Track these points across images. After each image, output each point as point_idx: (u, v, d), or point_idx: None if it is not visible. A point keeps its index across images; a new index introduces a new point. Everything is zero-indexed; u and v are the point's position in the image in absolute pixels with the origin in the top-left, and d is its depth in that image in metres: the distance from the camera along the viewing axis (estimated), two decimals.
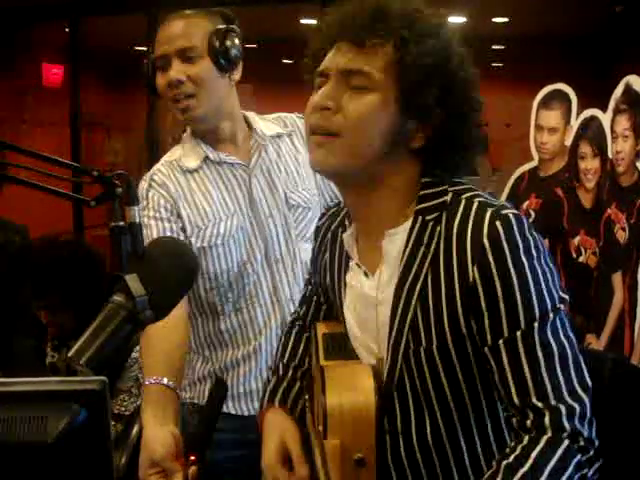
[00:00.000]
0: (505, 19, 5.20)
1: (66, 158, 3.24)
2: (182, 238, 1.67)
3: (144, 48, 4.08)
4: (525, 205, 3.18)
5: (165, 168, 1.76)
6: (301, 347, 1.43)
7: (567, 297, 1.12)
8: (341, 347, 1.28)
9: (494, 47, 5.93)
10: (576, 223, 2.92)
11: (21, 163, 1.19)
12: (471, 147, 1.19)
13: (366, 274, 1.21)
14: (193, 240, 1.72)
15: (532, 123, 3.10)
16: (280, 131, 1.82)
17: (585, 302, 2.85)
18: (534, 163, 3.15)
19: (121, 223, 1.11)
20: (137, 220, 1.12)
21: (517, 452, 1.02)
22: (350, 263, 1.25)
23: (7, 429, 0.96)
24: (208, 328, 1.79)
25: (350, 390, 1.16)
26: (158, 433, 1.41)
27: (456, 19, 5.00)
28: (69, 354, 1.07)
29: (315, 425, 1.27)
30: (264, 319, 1.77)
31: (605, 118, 2.73)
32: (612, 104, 2.70)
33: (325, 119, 1.11)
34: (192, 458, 1.28)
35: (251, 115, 1.85)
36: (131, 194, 1.12)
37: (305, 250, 1.76)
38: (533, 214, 3.14)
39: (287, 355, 1.42)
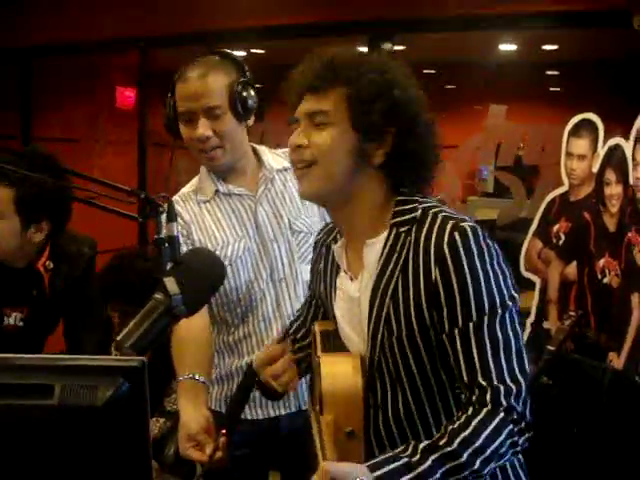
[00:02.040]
0: (555, 46, 5.32)
1: (133, 176, 3.59)
2: None
3: None
4: (555, 228, 3.30)
5: (181, 199, 1.99)
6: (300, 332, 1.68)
7: (517, 296, 1.31)
8: (334, 341, 1.50)
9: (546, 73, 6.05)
10: (601, 246, 3.02)
11: (88, 187, 1.48)
12: (426, 161, 1.38)
13: (351, 278, 1.44)
14: None
15: (563, 150, 3.25)
16: (287, 165, 1.96)
17: (608, 321, 2.97)
18: (565, 188, 3.28)
19: (162, 236, 1.37)
20: (175, 233, 1.39)
21: (462, 420, 1.22)
22: (340, 270, 1.47)
23: (68, 394, 1.23)
24: (218, 338, 2.01)
25: (341, 375, 1.38)
26: (192, 414, 1.66)
27: (508, 47, 5.16)
28: (117, 338, 1.33)
29: (314, 405, 1.50)
30: (267, 332, 1.98)
31: (627, 146, 2.87)
32: (634, 133, 2.84)
33: (300, 154, 1.36)
34: (222, 432, 1.54)
35: (261, 149, 2.04)
36: (171, 212, 1.39)
37: (307, 271, 1.92)
38: (563, 237, 3.26)
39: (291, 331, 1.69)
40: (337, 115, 1.34)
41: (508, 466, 1.38)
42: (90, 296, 2.25)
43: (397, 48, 4.18)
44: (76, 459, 1.21)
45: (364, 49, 3.97)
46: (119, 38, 4.63)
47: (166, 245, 1.37)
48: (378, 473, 1.16)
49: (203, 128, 1.85)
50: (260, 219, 1.97)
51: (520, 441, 1.25)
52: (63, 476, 1.20)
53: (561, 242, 3.26)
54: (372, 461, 1.20)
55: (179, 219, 1.94)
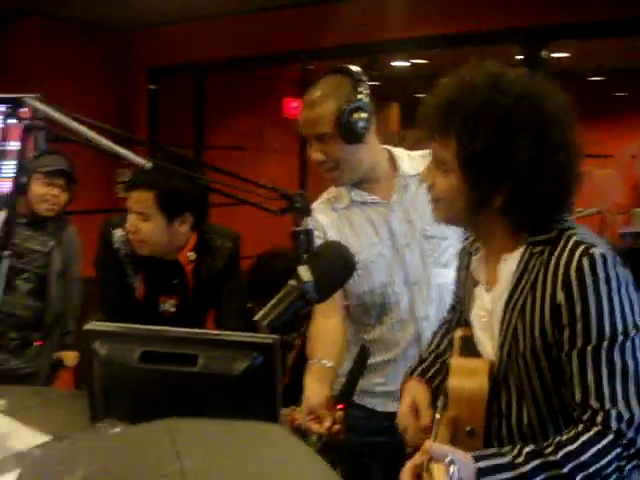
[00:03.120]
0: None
1: (295, 181, 3.81)
2: None
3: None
4: None
5: (320, 205, 2.10)
6: (444, 342, 1.72)
7: None
8: (471, 347, 1.55)
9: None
10: None
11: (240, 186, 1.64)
12: (551, 199, 1.35)
13: (487, 290, 1.48)
14: None
15: None
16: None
17: None
18: None
19: (299, 228, 1.51)
20: (311, 227, 1.52)
21: (570, 435, 1.24)
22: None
23: (209, 363, 1.40)
24: (356, 337, 2.09)
25: (469, 377, 1.45)
26: (314, 391, 1.78)
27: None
28: (255, 318, 1.49)
29: (442, 401, 1.57)
30: (401, 333, 2.04)
31: None
32: None
33: (429, 189, 1.43)
34: (339, 406, 1.67)
35: (397, 154, 2.09)
36: (307, 208, 1.53)
37: (439, 274, 2.01)
38: None
39: (432, 346, 1.73)
40: (453, 165, 1.36)
41: None
42: (233, 287, 2.40)
43: (560, 55, 4.10)
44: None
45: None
46: (284, 53, 4.89)
47: (301, 237, 1.51)
48: (481, 464, 1.20)
49: (315, 153, 1.96)
50: (393, 226, 2.04)
51: (627, 467, 1.24)
52: None
53: None
54: (478, 452, 1.24)
55: (317, 223, 2.05)
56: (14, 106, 1.41)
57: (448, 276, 1.94)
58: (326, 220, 2.07)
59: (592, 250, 1.28)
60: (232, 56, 5.10)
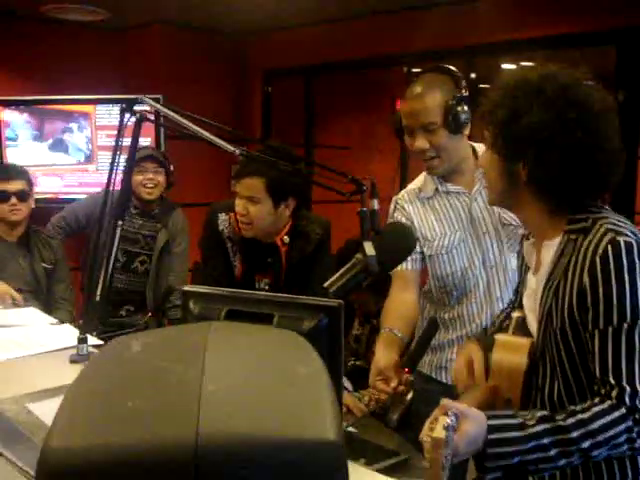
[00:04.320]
0: None
1: (396, 180, 3.99)
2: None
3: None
4: None
5: (407, 195, 2.29)
6: (500, 318, 1.88)
7: None
8: (523, 327, 1.67)
9: None
10: None
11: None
12: (575, 176, 1.42)
13: (533, 273, 1.61)
14: (425, 250, 2.22)
15: None
16: None
17: None
18: None
19: (365, 209, 1.73)
20: (376, 208, 1.74)
21: (584, 405, 1.34)
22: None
23: (283, 322, 1.64)
24: (436, 315, 2.28)
25: (511, 353, 1.58)
26: (383, 355, 1.98)
27: None
28: (324, 285, 1.72)
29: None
30: (477, 312, 2.22)
31: None
32: None
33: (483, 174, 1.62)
34: (406, 370, 1.87)
35: (480, 148, 2.22)
36: (373, 191, 1.75)
37: (514, 259, 2.15)
38: None
39: (493, 325, 1.90)
40: (490, 141, 1.52)
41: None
42: (322, 270, 2.57)
43: None
44: None
45: None
46: (389, 55, 5.09)
47: (367, 216, 1.73)
48: (492, 422, 1.30)
49: (420, 142, 2.12)
50: (474, 214, 2.22)
51: (639, 441, 1.32)
52: None
53: None
54: (492, 412, 1.36)
55: (404, 212, 2.27)
56: (130, 104, 1.71)
57: None
58: (412, 208, 2.27)
59: (618, 238, 1.36)
60: (340, 59, 5.34)
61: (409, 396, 1.91)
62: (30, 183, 3.57)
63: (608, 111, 1.44)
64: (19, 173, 3.56)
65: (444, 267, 2.22)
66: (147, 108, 1.85)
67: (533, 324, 1.59)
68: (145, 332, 0.79)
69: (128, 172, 1.78)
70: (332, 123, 6.15)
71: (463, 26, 4.53)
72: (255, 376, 0.63)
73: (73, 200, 4.21)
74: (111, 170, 1.84)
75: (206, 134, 1.68)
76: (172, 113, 1.67)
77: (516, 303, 1.83)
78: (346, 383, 2.44)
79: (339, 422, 0.57)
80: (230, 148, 1.70)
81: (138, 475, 0.51)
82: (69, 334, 2.14)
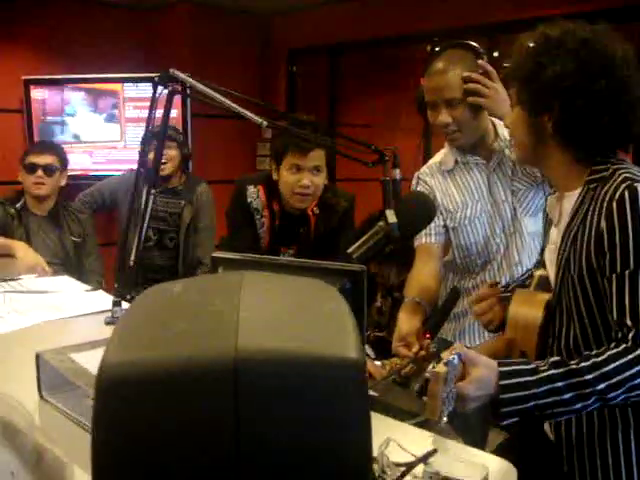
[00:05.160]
0: None
1: (418, 157, 4.04)
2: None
3: None
4: None
5: (429, 169, 2.38)
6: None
7: None
8: (544, 283, 1.73)
9: None
10: None
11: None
12: (599, 126, 1.45)
13: (555, 225, 1.65)
14: (447, 222, 2.29)
15: None
16: None
17: None
18: None
19: (387, 178, 1.80)
20: (397, 177, 1.80)
21: (600, 350, 1.35)
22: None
23: None
24: (460, 284, 2.37)
25: (527, 307, 1.64)
26: (406, 322, 2.05)
27: None
28: (348, 251, 1.79)
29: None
30: (498, 277, 2.29)
31: None
32: None
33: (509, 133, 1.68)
34: (427, 335, 1.94)
35: (498, 123, 2.29)
36: (395, 161, 1.81)
37: (530, 223, 2.22)
38: None
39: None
40: (515, 98, 1.58)
41: None
42: (345, 240, 2.56)
43: None
44: None
45: None
46: (412, 34, 5.12)
47: (389, 185, 1.79)
48: (503, 369, 1.33)
49: (443, 116, 2.17)
50: (493, 183, 2.29)
51: None
52: None
53: None
54: (505, 360, 1.38)
55: (427, 186, 2.35)
56: (162, 77, 1.78)
57: (537, 225, 2.19)
58: (433, 182, 2.35)
59: (635, 184, 1.38)
60: (363, 38, 5.38)
61: (430, 363, 1.98)
62: (62, 160, 3.67)
63: (629, 60, 1.45)
64: (51, 148, 3.67)
65: (468, 237, 2.30)
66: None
67: (552, 275, 1.62)
68: (183, 279, 0.87)
69: (160, 144, 1.86)
70: (355, 102, 6.20)
71: (486, 3, 4.55)
72: (286, 307, 0.70)
73: (102, 177, 4.32)
74: (144, 143, 1.92)
75: (239, 108, 1.75)
76: (204, 87, 1.74)
77: (540, 263, 1.86)
78: (368, 350, 2.52)
79: (361, 346, 0.64)
80: (258, 120, 1.77)
81: (185, 383, 0.59)
82: (103, 299, 2.24)
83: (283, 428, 0.58)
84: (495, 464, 1.19)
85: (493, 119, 2.33)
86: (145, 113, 4.87)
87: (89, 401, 1.26)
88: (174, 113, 4.86)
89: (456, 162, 2.33)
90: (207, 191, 3.83)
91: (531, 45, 1.51)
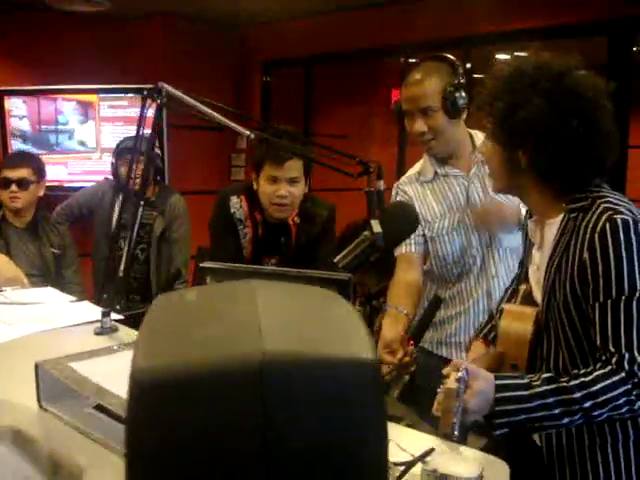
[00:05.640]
0: None
1: (392, 168, 4.11)
2: None
3: None
4: None
5: (408, 179, 2.43)
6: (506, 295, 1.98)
7: None
8: (530, 299, 1.77)
9: None
10: None
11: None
12: (574, 160, 1.51)
13: (537, 249, 1.71)
14: (426, 232, 2.34)
15: None
16: None
17: None
18: None
19: (371, 189, 1.85)
20: (381, 188, 1.85)
21: (587, 370, 1.43)
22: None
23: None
24: (438, 293, 2.40)
25: (518, 321, 1.69)
26: (389, 329, 2.11)
27: None
28: (335, 260, 1.83)
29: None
30: (475, 288, 2.35)
31: None
32: None
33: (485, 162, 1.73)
34: (411, 342, 1.98)
35: (475, 135, 2.36)
36: (379, 173, 1.86)
37: (507, 239, 2.29)
38: None
39: (500, 303, 1.99)
40: (490, 131, 1.63)
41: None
42: (327, 250, 2.70)
43: None
44: None
45: None
46: (385, 47, 5.20)
47: (374, 196, 1.84)
48: (499, 382, 1.42)
49: (419, 124, 2.25)
50: (471, 195, 2.35)
51: (638, 403, 1.41)
52: None
53: None
54: (500, 374, 1.46)
55: (405, 195, 2.41)
56: (152, 91, 1.81)
57: (514, 241, 2.24)
58: (412, 192, 2.41)
59: (615, 216, 1.44)
60: (338, 50, 5.45)
61: (412, 369, 2.03)
62: (38, 171, 3.66)
63: (601, 95, 1.52)
64: (24, 161, 3.65)
65: (445, 247, 2.35)
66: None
67: (538, 295, 1.69)
68: (191, 288, 0.90)
69: (148, 158, 1.89)
70: (330, 113, 6.28)
71: (460, 17, 4.64)
72: (301, 313, 0.75)
73: (78, 188, 4.32)
74: (132, 158, 1.94)
75: (227, 121, 1.79)
76: (193, 100, 1.78)
77: (522, 277, 1.91)
78: None
79: (375, 348, 0.69)
80: (246, 132, 1.81)
81: (214, 386, 0.62)
82: (89, 310, 2.25)
83: (308, 427, 0.62)
84: (488, 461, 1.25)
85: (471, 130, 2.40)
86: (120, 124, 4.95)
87: (89, 409, 1.29)
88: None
89: (436, 174, 2.38)
90: (181, 202, 3.82)
91: (505, 79, 1.56)
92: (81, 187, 4.32)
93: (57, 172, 5.07)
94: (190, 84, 1.85)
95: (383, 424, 0.64)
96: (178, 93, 1.79)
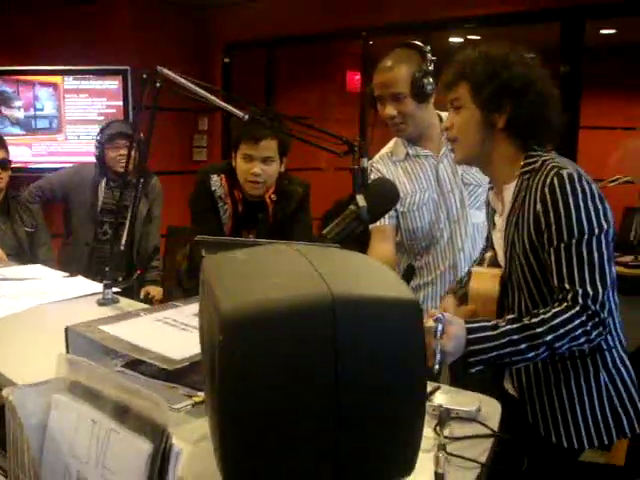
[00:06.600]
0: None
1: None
2: None
3: None
4: None
5: (380, 158, 2.60)
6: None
7: (606, 225, 1.62)
8: (495, 263, 1.96)
9: None
10: None
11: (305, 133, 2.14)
12: (542, 121, 1.73)
13: (499, 215, 1.90)
14: (398, 206, 2.47)
15: None
16: None
17: None
18: None
19: (356, 167, 2.00)
20: (366, 166, 2.01)
21: (546, 309, 1.61)
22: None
23: None
24: (406, 263, 2.60)
25: (485, 281, 1.88)
26: None
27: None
28: (323, 232, 1.98)
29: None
30: (442, 260, 2.53)
31: None
32: None
33: (449, 131, 1.87)
34: None
35: (445, 116, 2.50)
36: (363, 150, 2.01)
37: (474, 215, 2.48)
38: None
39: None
40: (465, 100, 1.78)
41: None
42: (302, 224, 2.88)
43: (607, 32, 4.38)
44: None
45: None
46: (346, 29, 5.33)
47: (358, 173, 1.99)
48: (469, 325, 1.59)
49: (389, 109, 2.43)
50: (440, 174, 2.53)
51: (593, 333, 1.59)
52: None
53: None
54: (470, 319, 1.65)
55: (379, 172, 2.56)
56: (150, 74, 1.93)
57: (480, 217, 2.44)
58: (385, 170, 2.57)
59: (562, 171, 1.64)
60: (300, 32, 5.56)
61: None
62: (8, 152, 3.70)
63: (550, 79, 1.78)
64: (1, 142, 3.69)
65: (415, 221, 2.52)
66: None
67: (502, 258, 1.88)
68: (234, 251, 1.03)
69: (147, 140, 1.99)
70: (291, 94, 6.38)
71: (419, 1, 4.80)
72: (346, 265, 0.90)
73: (43, 169, 4.35)
74: (130, 144, 2.03)
75: (222, 103, 1.92)
76: (186, 82, 1.90)
77: (488, 247, 2.10)
78: None
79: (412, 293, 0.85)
80: (240, 114, 1.94)
81: (293, 322, 0.78)
82: (84, 284, 2.36)
83: (372, 355, 0.78)
84: (484, 400, 1.44)
85: (441, 113, 2.56)
86: (85, 106, 4.98)
87: (119, 368, 1.42)
88: (119, 106, 4.94)
89: (407, 154, 2.55)
90: (158, 182, 3.95)
91: (480, 55, 1.77)
92: (46, 169, 4.36)
93: (22, 153, 5.08)
94: (154, 65, 1.96)
95: (423, 345, 0.80)
96: (177, 77, 1.90)
